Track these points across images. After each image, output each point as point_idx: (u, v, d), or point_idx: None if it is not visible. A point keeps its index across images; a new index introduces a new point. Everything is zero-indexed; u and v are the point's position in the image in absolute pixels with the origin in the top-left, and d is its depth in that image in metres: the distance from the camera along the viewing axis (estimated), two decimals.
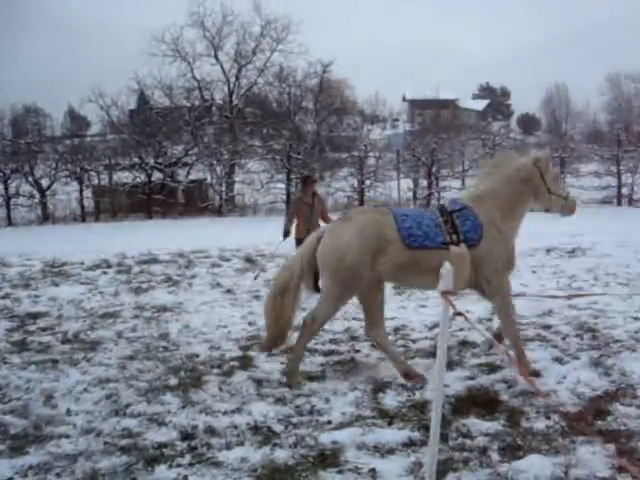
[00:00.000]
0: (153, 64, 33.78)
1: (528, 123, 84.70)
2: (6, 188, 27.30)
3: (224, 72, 34.32)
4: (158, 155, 28.48)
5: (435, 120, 65.25)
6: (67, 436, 5.08)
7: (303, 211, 10.16)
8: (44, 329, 8.48)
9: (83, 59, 77.38)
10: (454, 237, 6.17)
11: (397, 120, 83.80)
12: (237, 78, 34.49)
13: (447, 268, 3.82)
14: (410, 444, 4.83)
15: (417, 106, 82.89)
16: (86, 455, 4.74)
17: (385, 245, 6.05)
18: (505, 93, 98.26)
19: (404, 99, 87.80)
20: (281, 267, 7.15)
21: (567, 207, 6.89)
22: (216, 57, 34.24)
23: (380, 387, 5.98)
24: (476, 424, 5.12)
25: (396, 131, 69.21)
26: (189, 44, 33.89)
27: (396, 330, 7.93)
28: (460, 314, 3.79)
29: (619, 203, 27.16)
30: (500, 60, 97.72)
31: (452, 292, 3.73)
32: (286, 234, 10.34)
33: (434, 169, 28.37)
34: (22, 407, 5.67)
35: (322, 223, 10.02)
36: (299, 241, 10.06)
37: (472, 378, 6.15)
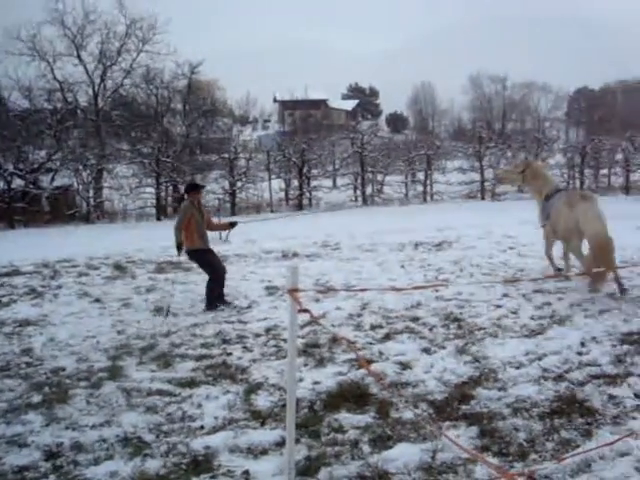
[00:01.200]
0: (9, 63, 32.02)
1: (396, 122, 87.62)
2: None
3: (88, 73, 33.12)
4: (18, 160, 27.02)
5: (305, 120, 66.25)
6: None
7: (196, 220, 9.60)
8: None
9: None
10: None
11: (268, 121, 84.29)
12: (102, 79, 33.38)
13: (292, 266, 3.90)
14: (283, 443, 4.85)
15: (287, 107, 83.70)
16: None
17: None
18: (374, 93, 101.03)
19: (275, 100, 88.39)
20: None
21: None
22: (79, 57, 32.96)
23: (252, 389, 5.99)
24: (347, 418, 5.23)
25: (267, 132, 69.59)
26: (48, 43, 32.40)
27: (268, 330, 7.95)
28: (305, 311, 3.89)
29: (482, 197, 28.51)
30: (368, 60, 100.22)
31: (298, 289, 3.80)
32: (180, 246, 9.49)
33: (305, 169, 28.67)
34: None
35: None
36: (195, 252, 9.64)
37: (343, 374, 6.27)
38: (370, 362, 6.47)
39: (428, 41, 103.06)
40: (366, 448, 4.75)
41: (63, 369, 6.83)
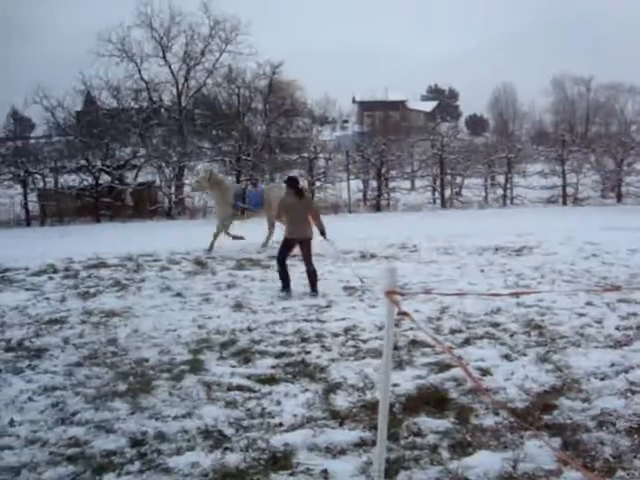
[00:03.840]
0: (100, 65, 33.12)
1: (476, 124, 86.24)
2: None
3: (173, 73, 33.94)
4: (106, 157, 27.94)
5: (384, 121, 65.98)
6: (10, 447, 4.95)
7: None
8: None
9: (27, 59, 75.71)
10: None
11: (347, 121, 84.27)
12: (186, 79, 34.13)
13: (390, 268, 3.84)
14: (361, 444, 4.86)
15: (366, 108, 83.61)
16: (30, 466, 4.63)
17: None
18: (453, 94, 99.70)
19: (354, 100, 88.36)
20: None
21: None
22: (164, 58, 33.83)
23: (331, 388, 5.99)
24: (426, 422, 5.18)
25: (345, 132, 69.61)
26: (136, 44, 33.40)
27: (347, 331, 7.94)
28: (405, 314, 3.83)
29: (564, 202, 27.75)
30: (448, 61, 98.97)
31: (397, 292, 3.75)
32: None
33: (383, 170, 28.53)
34: None
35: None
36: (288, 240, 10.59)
37: (422, 377, 6.21)
38: (448, 367, 6.41)
39: (509, 41, 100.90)
40: (445, 454, 4.69)
41: (146, 360, 7.02)
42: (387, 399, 3.94)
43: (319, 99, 59.51)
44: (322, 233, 10.71)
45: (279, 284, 10.45)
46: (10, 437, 5.13)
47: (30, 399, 5.94)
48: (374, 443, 4.81)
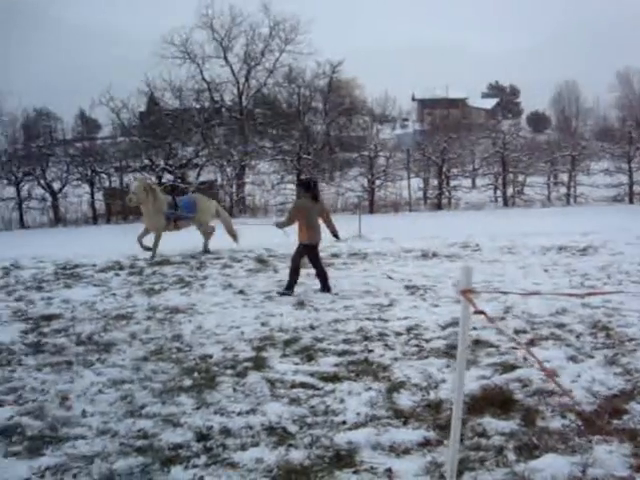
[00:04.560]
0: (163, 66, 33.85)
1: (538, 121, 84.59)
2: (18, 191, 27.44)
3: (233, 73, 34.42)
4: (168, 157, 28.52)
5: (445, 119, 65.31)
6: (83, 437, 5.10)
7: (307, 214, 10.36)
8: (58, 331, 8.51)
9: (94, 63, 77.69)
10: None
11: (406, 120, 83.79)
12: (246, 79, 34.57)
13: (466, 267, 3.80)
14: (426, 444, 4.83)
15: (426, 105, 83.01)
16: (102, 456, 4.76)
17: None
18: (514, 91, 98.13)
19: (413, 98, 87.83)
20: None
21: None
22: (225, 58, 34.34)
23: (394, 387, 5.97)
24: (491, 423, 5.11)
25: (405, 131, 69.28)
26: (198, 46, 34.06)
27: (409, 330, 7.89)
28: (481, 312, 3.79)
29: (631, 201, 26.99)
30: (509, 58, 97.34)
31: (473, 290, 3.71)
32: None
33: (444, 168, 28.29)
34: (38, 409, 5.68)
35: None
36: (308, 247, 10.32)
37: (486, 377, 6.13)
38: (513, 367, 6.32)
39: (571, 37, 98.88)
40: (511, 456, 4.61)
41: (210, 356, 7.12)
42: (461, 399, 3.90)
43: (378, 97, 59.40)
44: (335, 235, 10.77)
45: (341, 282, 10.48)
46: (83, 427, 5.29)
47: (100, 391, 6.10)
48: (438, 443, 4.79)
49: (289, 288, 10.26)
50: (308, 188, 10.61)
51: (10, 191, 27.64)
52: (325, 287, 10.35)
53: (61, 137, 35.21)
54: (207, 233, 15.45)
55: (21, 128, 33.78)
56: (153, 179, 27.58)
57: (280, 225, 10.82)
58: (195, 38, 34.00)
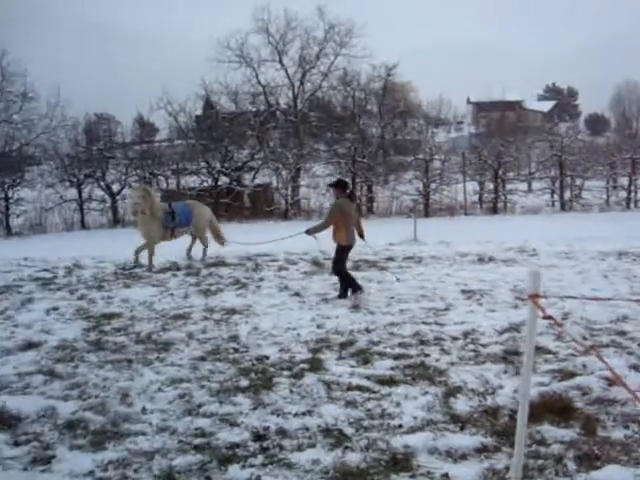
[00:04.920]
0: (219, 70, 34.27)
1: (596, 123, 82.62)
2: (80, 193, 28.23)
3: (289, 77, 34.64)
4: (224, 159, 28.91)
5: (500, 122, 64.40)
6: (143, 433, 5.21)
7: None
8: (118, 329, 8.70)
9: (152, 69, 79.21)
10: None
11: (461, 123, 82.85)
12: (301, 82, 34.72)
13: (534, 271, 3.75)
14: (483, 450, 4.78)
15: (482, 108, 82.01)
16: (162, 452, 4.85)
17: None
18: (572, 93, 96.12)
19: (468, 101, 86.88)
20: None
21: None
22: (281, 62, 34.58)
23: (451, 392, 5.93)
24: (550, 431, 5.03)
25: (461, 134, 68.57)
26: (254, 50, 34.34)
27: (465, 335, 7.83)
28: (549, 317, 3.73)
29: None
30: (566, 60, 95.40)
31: (540, 295, 3.66)
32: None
33: (500, 172, 27.94)
34: (100, 404, 5.83)
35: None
36: (347, 248, 10.28)
37: (545, 384, 6.04)
38: (573, 375, 6.20)
39: (631, 36, 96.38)
40: (571, 465, 4.53)
41: (267, 357, 7.18)
42: (526, 405, 3.86)
43: (433, 100, 58.84)
44: (362, 236, 10.68)
45: (396, 286, 10.45)
46: (143, 424, 5.41)
47: (160, 389, 6.22)
48: (496, 449, 4.75)
49: (354, 288, 10.10)
50: (345, 188, 10.53)
51: (72, 193, 28.45)
52: (345, 293, 10.22)
53: (120, 140, 35.86)
54: (204, 238, 14.93)
55: (83, 132, 34.56)
56: (209, 181, 28.02)
57: (312, 231, 10.50)
58: (251, 42, 34.38)
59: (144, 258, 14.04)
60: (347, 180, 11.84)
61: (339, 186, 10.50)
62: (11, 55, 31.25)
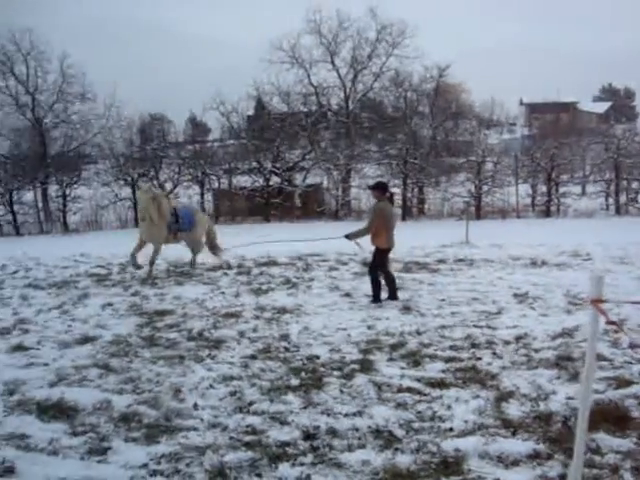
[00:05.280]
0: (271, 71, 34.55)
1: None
2: (133, 191, 28.79)
3: (340, 77, 34.70)
4: (276, 160, 29.12)
5: (554, 124, 63.30)
6: (195, 429, 5.28)
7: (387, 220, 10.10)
8: (170, 326, 8.85)
9: (205, 71, 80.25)
10: None
11: (514, 124, 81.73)
12: (353, 83, 34.76)
13: (597, 276, 3.67)
14: (535, 456, 4.70)
15: (535, 110, 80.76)
16: (213, 448, 4.91)
17: None
18: (629, 94, 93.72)
19: (521, 102, 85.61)
20: None
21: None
22: (332, 63, 34.68)
23: (503, 396, 5.85)
24: (605, 440, 4.91)
25: (513, 135, 67.64)
26: (306, 51, 34.55)
27: (518, 339, 7.71)
28: (613, 323, 3.65)
29: None
30: (624, 60, 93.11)
31: (604, 300, 3.58)
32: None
33: (554, 174, 27.45)
34: (153, 399, 5.94)
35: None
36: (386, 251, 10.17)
37: (600, 392, 5.90)
38: (629, 383, 6.06)
39: None
40: (628, 476, 4.40)
41: (317, 357, 7.20)
42: (587, 412, 3.78)
43: (485, 101, 58.22)
44: None
45: (448, 288, 10.37)
46: (195, 419, 5.48)
47: (211, 386, 6.29)
48: (549, 456, 4.66)
49: (375, 297, 10.06)
50: (385, 190, 10.35)
51: (126, 191, 29.02)
52: (395, 295, 10.17)
53: (173, 140, 36.48)
54: (198, 245, 14.29)
55: (137, 132, 35.28)
56: (261, 181, 28.23)
57: (353, 236, 10.33)
58: (303, 43, 34.59)
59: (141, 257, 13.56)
60: (385, 182, 11.62)
61: (379, 188, 10.30)
62: (71, 58, 32.13)
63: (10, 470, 4.64)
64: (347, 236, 10.33)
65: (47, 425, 5.40)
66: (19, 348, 7.83)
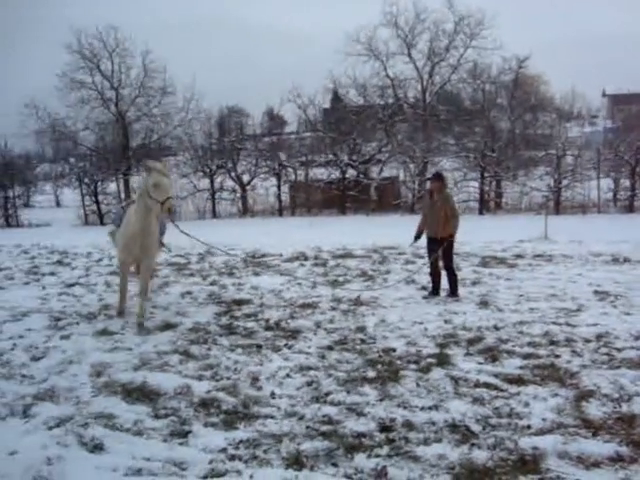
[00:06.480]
0: (348, 64, 34.53)
1: None
2: (212, 183, 29.38)
3: (417, 70, 34.36)
4: (352, 152, 29.11)
5: (639, 116, 60.92)
6: (272, 417, 5.39)
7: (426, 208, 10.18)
8: (248, 315, 9.02)
9: (283, 64, 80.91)
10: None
11: (596, 117, 79.25)
12: (430, 75, 34.37)
13: None
14: (618, 459, 4.59)
15: (619, 101, 77.94)
16: (290, 436, 5.00)
17: None
18: None
19: (604, 94, 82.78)
20: None
21: (163, 210, 8.04)
22: (409, 55, 34.37)
23: (583, 395, 5.73)
24: None
25: (595, 128, 65.57)
26: (383, 43, 34.33)
27: (598, 337, 7.51)
28: None
29: None
30: None
31: None
32: (417, 237, 10.32)
33: (638, 169, 26.47)
34: (232, 386, 6.10)
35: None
36: (428, 239, 10.14)
37: None
38: None
39: None
40: None
41: (394, 350, 7.21)
42: None
43: (565, 93, 56.67)
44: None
45: (526, 283, 10.20)
46: (272, 408, 5.60)
47: (288, 375, 6.41)
48: (632, 460, 4.56)
49: (454, 289, 10.08)
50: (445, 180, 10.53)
51: (205, 183, 29.62)
52: (456, 289, 10.08)
53: (251, 132, 36.91)
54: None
55: (215, 124, 35.87)
56: (337, 174, 28.28)
57: (455, 231, 10.04)
58: (379, 35, 34.39)
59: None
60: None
61: (442, 177, 10.46)
62: (153, 54, 32.94)
63: (99, 447, 4.86)
64: (450, 235, 9.96)
65: (132, 407, 5.63)
66: (104, 333, 8.16)
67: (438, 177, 10.43)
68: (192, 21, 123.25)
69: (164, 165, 8.59)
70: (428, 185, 10.63)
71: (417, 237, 10.32)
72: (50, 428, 5.20)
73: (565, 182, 26.69)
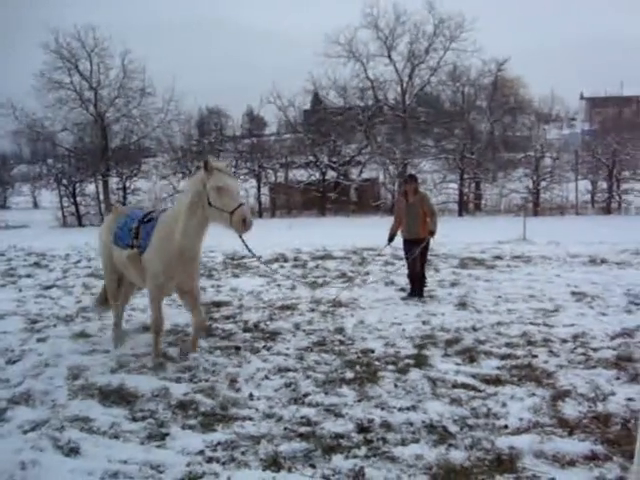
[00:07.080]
0: (328, 65, 34.68)
1: None
2: None
3: (397, 72, 34.52)
4: (332, 154, 29.17)
5: (616, 118, 61.61)
6: (250, 418, 5.38)
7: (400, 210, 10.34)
8: (227, 317, 9.00)
9: (260, 63, 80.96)
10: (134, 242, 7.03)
11: (574, 119, 80.00)
12: (410, 77, 34.54)
13: None
14: (592, 457, 4.63)
15: (596, 104, 78.76)
16: (268, 438, 4.99)
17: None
18: None
19: (582, 97, 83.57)
20: None
21: (233, 223, 6.38)
22: (389, 57, 34.52)
23: (559, 395, 5.78)
24: None
25: (573, 130, 66.19)
26: (363, 45, 34.50)
27: (575, 337, 7.58)
28: None
29: None
30: None
31: None
32: (390, 239, 10.50)
33: (615, 171, 26.77)
34: (210, 388, 6.08)
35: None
36: (405, 242, 10.32)
37: None
38: None
39: None
40: None
41: (372, 351, 7.23)
42: None
43: (544, 96, 57.16)
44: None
45: (504, 285, 10.27)
46: (250, 409, 5.59)
47: (266, 377, 6.39)
48: (607, 458, 4.60)
49: (422, 290, 10.25)
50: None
51: (185, 184, 29.48)
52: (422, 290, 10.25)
53: (231, 134, 36.87)
54: None
55: (195, 125, 35.82)
56: (317, 175, 28.31)
57: (435, 230, 10.25)
58: (360, 37, 34.58)
59: None
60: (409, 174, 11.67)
61: (416, 179, 10.66)
62: (133, 54, 32.78)
63: (75, 451, 4.82)
64: (431, 232, 10.19)
65: (108, 410, 5.59)
66: (82, 335, 8.11)
67: (412, 179, 10.57)
68: (172, 23, 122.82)
69: (228, 164, 7.50)
70: (398, 187, 10.72)
71: (390, 239, 10.47)
72: (25, 432, 5.15)
73: (543, 184, 26.94)
